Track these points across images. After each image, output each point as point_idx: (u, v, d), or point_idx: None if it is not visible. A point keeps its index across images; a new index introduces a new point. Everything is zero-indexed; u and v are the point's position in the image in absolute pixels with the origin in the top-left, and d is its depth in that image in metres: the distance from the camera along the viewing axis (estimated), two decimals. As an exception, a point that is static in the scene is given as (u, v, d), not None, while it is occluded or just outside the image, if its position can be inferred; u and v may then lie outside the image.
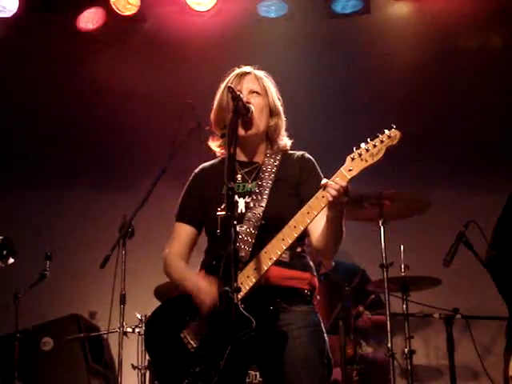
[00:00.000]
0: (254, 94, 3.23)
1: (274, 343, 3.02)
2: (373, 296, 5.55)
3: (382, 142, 2.86)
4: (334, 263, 5.84)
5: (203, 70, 6.21)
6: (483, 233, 4.59)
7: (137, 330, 5.14)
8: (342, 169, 2.89)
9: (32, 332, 5.88)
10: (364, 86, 6.55)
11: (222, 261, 2.68)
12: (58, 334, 5.85)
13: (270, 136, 3.29)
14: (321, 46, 6.64)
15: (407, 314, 5.22)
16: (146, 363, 5.06)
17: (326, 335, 3.15)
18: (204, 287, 3.04)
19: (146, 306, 4.62)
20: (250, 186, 3.20)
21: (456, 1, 6.49)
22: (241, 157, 3.24)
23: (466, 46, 6.57)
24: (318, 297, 3.23)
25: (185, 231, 3.29)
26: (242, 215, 3.11)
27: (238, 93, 3.06)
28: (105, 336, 5.79)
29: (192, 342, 3.05)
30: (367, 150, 2.86)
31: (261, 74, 3.32)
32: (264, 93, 3.26)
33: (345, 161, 2.90)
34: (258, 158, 3.28)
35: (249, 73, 3.29)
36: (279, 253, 2.97)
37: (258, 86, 3.26)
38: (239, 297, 2.79)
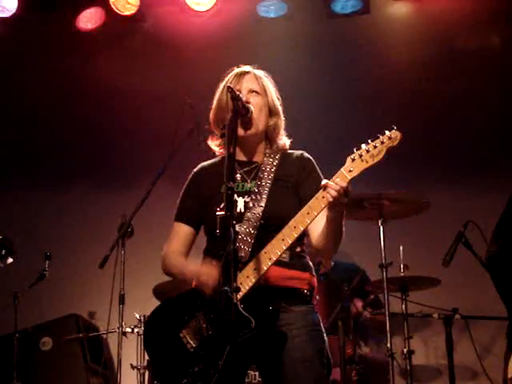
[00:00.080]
0: (254, 94, 3.23)
1: (273, 343, 3.02)
2: (372, 296, 5.55)
3: (382, 142, 2.87)
4: (333, 263, 5.84)
5: (202, 69, 6.21)
6: (482, 233, 4.59)
7: (136, 330, 5.14)
8: (342, 169, 2.89)
9: (31, 332, 5.88)
10: (363, 86, 6.55)
11: (221, 261, 2.68)
12: (57, 333, 5.85)
13: (269, 135, 3.29)
14: (320, 45, 6.64)
15: (406, 314, 5.22)
16: (145, 363, 5.07)
17: (325, 335, 3.16)
18: (204, 269, 3.05)
19: (145, 306, 4.62)
20: (249, 185, 3.20)
21: (456, 1, 6.48)
22: (240, 156, 3.24)
23: (465, 46, 6.57)
24: (318, 297, 3.23)
25: (183, 231, 3.30)
26: (241, 215, 3.11)
27: (238, 93, 3.06)
28: (104, 336, 5.79)
29: (191, 342, 3.05)
30: (368, 151, 2.86)
31: (260, 73, 3.32)
32: (263, 92, 3.26)
33: (345, 161, 2.90)
34: (257, 158, 3.28)
35: (248, 72, 3.29)
36: (279, 253, 2.97)
37: (257, 86, 3.25)
38: (238, 297, 2.79)
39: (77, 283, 6.46)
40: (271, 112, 3.27)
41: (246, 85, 3.24)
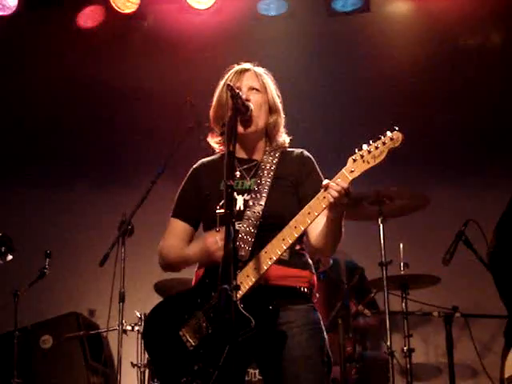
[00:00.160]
0: (254, 91, 3.23)
1: (273, 341, 3.02)
2: (372, 294, 5.55)
3: (384, 143, 2.86)
4: (331, 261, 5.83)
5: (202, 67, 6.20)
6: (482, 231, 4.60)
7: (136, 327, 5.14)
8: (343, 170, 2.88)
9: (31, 330, 5.88)
10: (363, 84, 6.55)
11: (221, 259, 2.68)
12: (58, 331, 5.85)
13: (269, 133, 3.29)
14: (320, 44, 6.64)
15: (406, 313, 5.22)
16: (146, 361, 5.06)
17: (325, 333, 3.16)
18: (209, 240, 3.04)
19: (146, 303, 4.61)
20: (248, 183, 3.20)
21: (456, -1, 6.49)
22: (240, 153, 3.23)
23: (465, 45, 6.57)
24: (318, 295, 3.23)
25: (180, 227, 3.30)
26: (241, 213, 3.10)
27: (237, 91, 3.06)
28: (104, 334, 5.79)
29: (191, 341, 3.05)
30: (369, 152, 2.86)
31: (260, 70, 3.32)
32: (263, 90, 3.25)
33: (345, 158, 2.89)
34: (257, 156, 3.27)
35: (248, 69, 3.29)
36: (279, 252, 2.97)
37: (257, 83, 3.25)
38: (238, 296, 2.79)
39: (77, 281, 6.47)
40: (271, 109, 3.27)
41: (246, 82, 3.24)
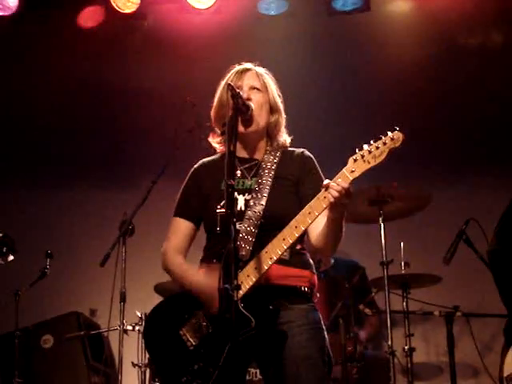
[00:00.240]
0: (255, 91, 3.23)
1: (274, 341, 3.02)
2: (373, 294, 5.54)
3: (384, 144, 2.85)
4: (333, 260, 5.84)
5: (203, 67, 6.20)
6: (483, 230, 4.59)
7: (137, 327, 5.13)
8: (344, 170, 2.88)
9: (32, 330, 5.89)
10: (364, 84, 6.55)
11: (222, 259, 2.68)
12: (59, 331, 5.85)
13: (269, 132, 3.29)
14: (321, 43, 6.63)
15: (407, 312, 5.22)
16: (147, 361, 5.06)
17: (326, 333, 3.16)
18: (205, 285, 3.03)
19: (146, 303, 4.59)
20: (249, 182, 3.20)
21: (456, -2, 6.49)
22: (240, 153, 3.23)
23: (466, 44, 6.57)
24: (318, 294, 3.23)
25: (183, 226, 3.29)
26: (242, 213, 3.10)
27: (238, 90, 3.06)
28: (105, 334, 5.79)
29: (191, 340, 3.05)
30: (370, 152, 2.85)
31: (261, 70, 3.33)
32: (264, 89, 3.26)
33: (346, 158, 2.89)
34: (258, 155, 3.27)
35: (249, 69, 3.30)
36: (280, 252, 2.97)
37: (258, 83, 3.26)
38: (239, 295, 2.79)
39: (78, 281, 6.47)
40: (272, 109, 3.27)
41: (247, 82, 3.24)
